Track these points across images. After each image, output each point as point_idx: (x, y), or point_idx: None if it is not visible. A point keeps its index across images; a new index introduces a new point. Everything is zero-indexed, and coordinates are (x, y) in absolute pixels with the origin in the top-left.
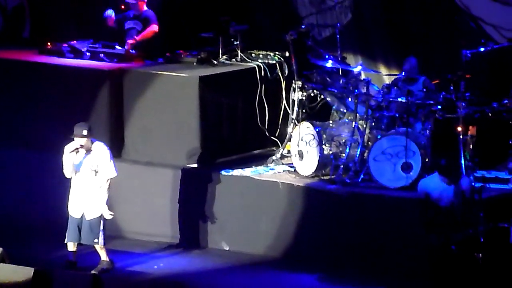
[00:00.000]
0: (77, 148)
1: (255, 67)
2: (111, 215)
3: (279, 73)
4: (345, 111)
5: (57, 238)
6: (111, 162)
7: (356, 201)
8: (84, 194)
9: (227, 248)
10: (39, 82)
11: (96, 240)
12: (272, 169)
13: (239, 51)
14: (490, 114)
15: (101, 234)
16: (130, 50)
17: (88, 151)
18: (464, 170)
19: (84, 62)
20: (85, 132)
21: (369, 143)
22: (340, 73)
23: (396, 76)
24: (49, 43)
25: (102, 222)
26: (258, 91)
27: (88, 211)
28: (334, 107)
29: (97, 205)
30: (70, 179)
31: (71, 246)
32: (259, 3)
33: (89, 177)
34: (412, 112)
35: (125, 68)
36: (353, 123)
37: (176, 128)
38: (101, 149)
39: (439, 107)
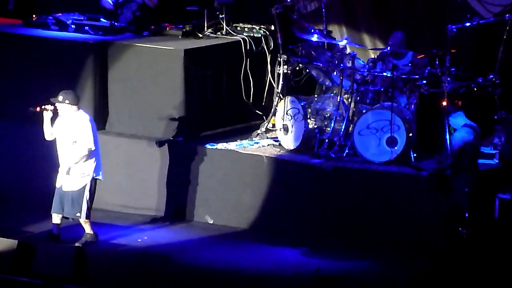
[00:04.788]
0: (45, 108)
1: (240, 41)
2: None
3: (264, 47)
4: (330, 85)
5: (43, 210)
6: (90, 134)
7: (341, 176)
8: (64, 165)
9: (211, 222)
10: (23, 55)
11: (78, 214)
12: (257, 142)
13: (224, 24)
14: (475, 89)
15: (84, 207)
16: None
17: (69, 120)
18: (449, 145)
19: (69, 34)
20: (60, 98)
21: (354, 117)
22: (326, 47)
23: (382, 51)
24: (34, 15)
25: (85, 195)
26: (243, 64)
27: (67, 182)
28: (319, 81)
29: (77, 178)
30: None
31: (55, 218)
32: None
33: (68, 146)
34: (397, 87)
35: (110, 41)
36: (338, 97)
37: (161, 101)
38: (82, 120)
39: (424, 81)
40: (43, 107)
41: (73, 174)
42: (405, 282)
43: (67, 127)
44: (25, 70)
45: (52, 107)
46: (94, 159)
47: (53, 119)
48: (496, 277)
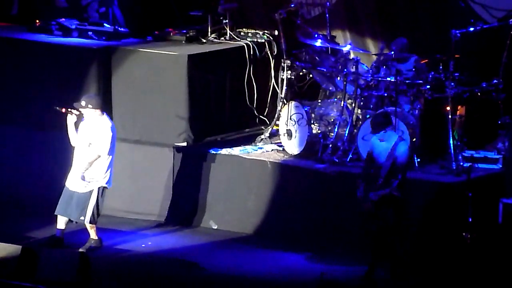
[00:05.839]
0: (70, 111)
1: (244, 46)
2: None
3: (268, 52)
4: (334, 90)
5: (47, 215)
6: (106, 141)
7: (345, 181)
8: (77, 164)
9: (215, 227)
10: (27, 60)
11: (82, 218)
12: (261, 148)
13: (228, 30)
14: (479, 94)
15: (89, 212)
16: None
17: (91, 123)
18: (452, 150)
19: (73, 40)
20: (82, 103)
21: (358, 122)
22: (329, 52)
23: (385, 55)
24: (37, 21)
25: (92, 200)
26: (247, 69)
27: (76, 183)
28: (323, 86)
29: (86, 181)
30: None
31: (61, 223)
32: None
33: (84, 148)
34: (401, 92)
35: (113, 46)
36: (342, 102)
37: (165, 106)
38: (102, 125)
39: (428, 86)
40: (69, 109)
41: (83, 176)
42: (413, 286)
43: (88, 129)
44: (28, 76)
45: (78, 112)
46: (106, 166)
47: (77, 123)
48: (500, 281)
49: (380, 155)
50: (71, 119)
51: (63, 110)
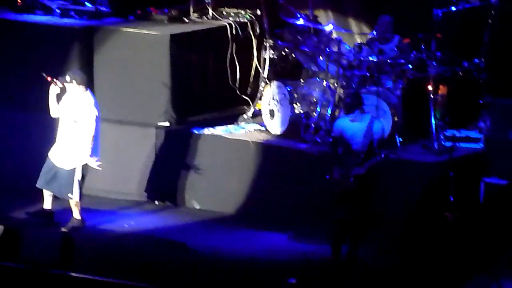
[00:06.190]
0: (55, 81)
1: (226, 25)
2: (99, 167)
3: (251, 32)
4: (316, 70)
5: (30, 195)
6: (92, 118)
7: (327, 160)
8: (62, 141)
9: (198, 207)
10: (7, 40)
11: (70, 195)
12: (243, 128)
13: (210, 9)
14: (461, 74)
15: (76, 189)
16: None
17: (75, 99)
18: (434, 129)
19: (54, 19)
20: (67, 78)
21: (340, 102)
22: (312, 32)
23: (368, 36)
24: (19, 0)
25: (77, 176)
26: (229, 49)
27: (62, 160)
28: (305, 66)
29: (73, 157)
30: None
31: (47, 202)
32: None
33: (68, 125)
34: (383, 71)
35: (95, 26)
36: (324, 82)
37: (147, 86)
38: (87, 102)
39: (410, 66)
40: (54, 79)
41: (70, 152)
42: (395, 266)
43: (72, 106)
44: (10, 56)
45: (61, 85)
46: (92, 142)
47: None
48: (482, 261)
49: (355, 136)
50: (54, 89)
51: (49, 78)
